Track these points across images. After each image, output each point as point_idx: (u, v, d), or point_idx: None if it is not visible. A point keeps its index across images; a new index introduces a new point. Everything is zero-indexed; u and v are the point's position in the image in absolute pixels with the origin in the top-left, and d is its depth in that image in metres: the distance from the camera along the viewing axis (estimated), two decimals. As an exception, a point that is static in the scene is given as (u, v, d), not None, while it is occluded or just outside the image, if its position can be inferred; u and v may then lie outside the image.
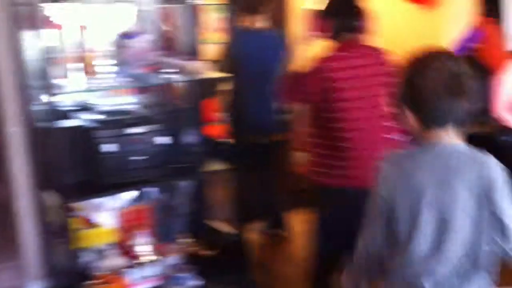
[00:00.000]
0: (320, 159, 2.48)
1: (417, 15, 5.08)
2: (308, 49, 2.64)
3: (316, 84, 2.38)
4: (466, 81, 1.50)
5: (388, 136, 2.43)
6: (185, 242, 3.07)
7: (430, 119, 1.51)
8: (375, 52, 2.53)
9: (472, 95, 1.50)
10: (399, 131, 2.35)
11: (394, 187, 1.57)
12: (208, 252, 3.05)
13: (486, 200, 1.49)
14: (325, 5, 2.52)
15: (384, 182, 1.60)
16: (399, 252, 1.57)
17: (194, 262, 2.90)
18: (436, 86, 1.47)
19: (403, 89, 1.55)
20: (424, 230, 1.52)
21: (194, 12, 3.06)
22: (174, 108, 3.09)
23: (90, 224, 2.73)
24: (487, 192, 1.49)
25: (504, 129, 3.57)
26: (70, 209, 2.55)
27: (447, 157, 1.52)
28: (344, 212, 2.28)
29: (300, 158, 4.31)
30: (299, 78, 2.45)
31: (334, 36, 2.46)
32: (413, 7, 5.02)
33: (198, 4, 3.08)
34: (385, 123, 2.42)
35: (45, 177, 2.55)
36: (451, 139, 1.53)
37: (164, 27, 2.98)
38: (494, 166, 1.51)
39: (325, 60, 2.42)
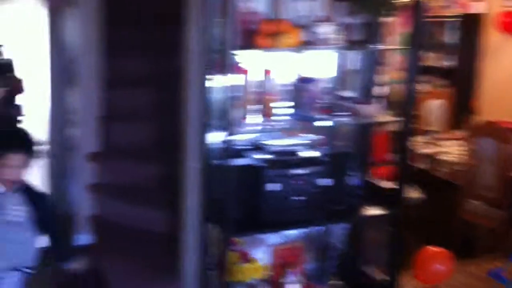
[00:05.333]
0: None
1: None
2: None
3: None
4: None
5: None
6: (335, 284, 3.02)
7: None
8: None
9: None
10: None
11: None
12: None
13: None
14: None
15: None
16: None
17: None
18: None
19: None
20: None
21: (375, 56, 2.96)
22: (340, 151, 3.03)
23: (247, 259, 2.79)
24: None
25: None
26: (231, 243, 2.62)
27: None
28: None
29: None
30: None
31: None
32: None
33: (381, 49, 2.97)
34: None
35: (212, 211, 2.63)
36: None
37: (342, 71, 2.93)
38: None
39: None
